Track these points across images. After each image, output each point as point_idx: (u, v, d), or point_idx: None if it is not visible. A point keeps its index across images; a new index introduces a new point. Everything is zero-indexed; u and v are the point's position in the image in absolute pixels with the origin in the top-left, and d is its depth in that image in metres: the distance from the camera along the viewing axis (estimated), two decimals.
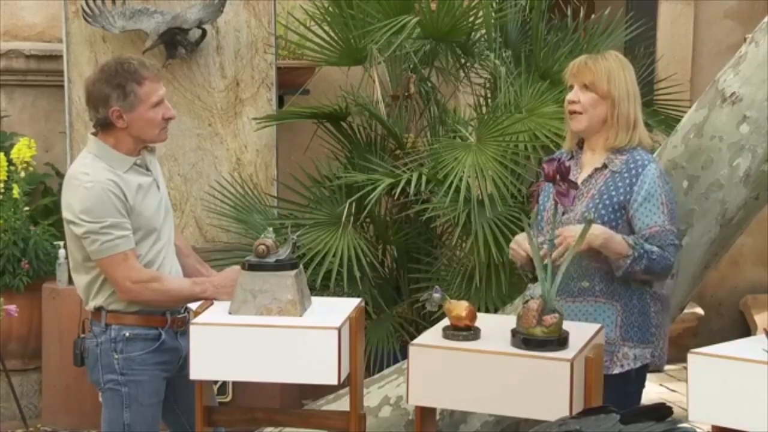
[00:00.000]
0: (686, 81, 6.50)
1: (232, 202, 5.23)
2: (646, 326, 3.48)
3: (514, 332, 3.10)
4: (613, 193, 3.44)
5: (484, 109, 5.22)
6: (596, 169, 3.50)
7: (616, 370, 3.43)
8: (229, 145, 5.41)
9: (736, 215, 3.85)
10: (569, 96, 3.52)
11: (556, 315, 3.08)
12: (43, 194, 5.79)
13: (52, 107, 5.85)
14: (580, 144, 3.59)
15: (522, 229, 3.66)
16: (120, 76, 3.41)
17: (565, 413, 2.88)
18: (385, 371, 4.55)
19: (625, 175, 3.44)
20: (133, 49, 5.06)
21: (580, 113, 3.48)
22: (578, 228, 3.24)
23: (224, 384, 5.08)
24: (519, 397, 3.02)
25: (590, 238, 3.24)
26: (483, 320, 3.22)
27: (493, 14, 5.14)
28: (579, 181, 3.47)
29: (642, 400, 3.61)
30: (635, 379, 3.49)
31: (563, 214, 3.45)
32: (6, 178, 5.39)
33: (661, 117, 5.27)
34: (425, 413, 3.23)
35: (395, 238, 5.23)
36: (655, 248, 3.38)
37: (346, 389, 3.63)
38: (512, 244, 3.51)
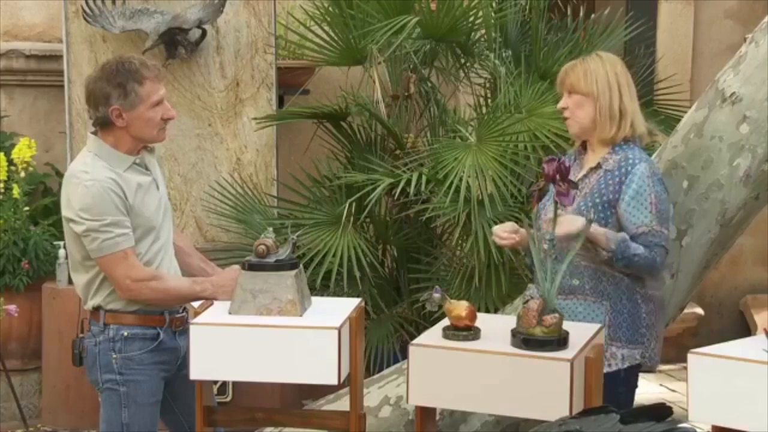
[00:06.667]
0: (686, 81, 6.50)
1: (232, 202, 5.23)
2: (636, 327, 3.48)
3: (514, 332, 3.10)
4: (604, 191, 3.47)
5: (484, 109, 5.22)
6: (591, 169, 3.54)
7: (604, 370, 3.42)
8: (229, 145, 5.41)
9: (736, 215, 3.86)
10: (559, 104, 3.60)
11: (556, 315, 3.08)
12: (43, 194, 5.78)
13: (52, 107, 5.85)
14: (584, 145, 3.62)
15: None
16: (121, 75, 3.40)
17: (565, 413, 2.88)
18: (385, 371, 4.54)
19: (616, 173, 3.47)
20: (133, 49, 5.05)
21: (569, 118, 3.56)
22: (574, 219, 3.31)
23: (224, 384, 5.08)
24: (519, 397, 3.02)
25: (573, 220, 3.30)
26: (483, 320, 3.22)
27: (493, 14, 5.14)
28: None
29: (641, 400, 3.61)
30: (625, 380, 3.50)
31: None
32: (6, 178, 5.39)
33: (661, 117, 5.27)
34: (425, 413, 3.23)
35: (395, 238, 5.23)
36: (641, 249, 3.39)
37: (346, 389, 3.63)
38: (498, 236, 3.52)
